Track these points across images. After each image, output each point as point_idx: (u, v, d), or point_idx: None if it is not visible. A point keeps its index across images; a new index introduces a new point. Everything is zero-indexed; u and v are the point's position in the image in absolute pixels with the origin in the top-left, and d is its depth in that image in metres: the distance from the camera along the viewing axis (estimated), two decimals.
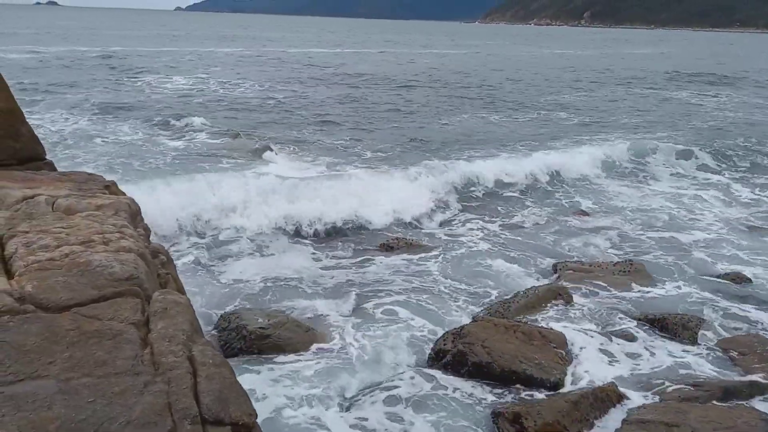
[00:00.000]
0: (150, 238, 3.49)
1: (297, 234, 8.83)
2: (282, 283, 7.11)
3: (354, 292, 6.87)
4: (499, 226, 9.74)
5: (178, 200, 8.59)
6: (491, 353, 5.31)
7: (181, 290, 3.06)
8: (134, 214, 3.39)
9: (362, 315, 6.34)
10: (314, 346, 5.63)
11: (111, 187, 3.79)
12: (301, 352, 5.53)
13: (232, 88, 23.29)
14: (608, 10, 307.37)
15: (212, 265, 7.58)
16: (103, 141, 13.21)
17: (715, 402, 4.72)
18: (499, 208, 10.67)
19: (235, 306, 6.43)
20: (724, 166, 14.17)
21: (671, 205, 11.07)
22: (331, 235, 8.94)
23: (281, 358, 5.42)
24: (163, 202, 8.38)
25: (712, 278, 7.52)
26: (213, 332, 5.81)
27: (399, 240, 8.75)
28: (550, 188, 11.88)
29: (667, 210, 10.69)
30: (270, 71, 30.04)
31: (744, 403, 4.75)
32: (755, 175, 13.56)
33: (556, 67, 40.67)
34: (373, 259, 8.09)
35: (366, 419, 4.62)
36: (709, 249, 8.68)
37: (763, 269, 7.93)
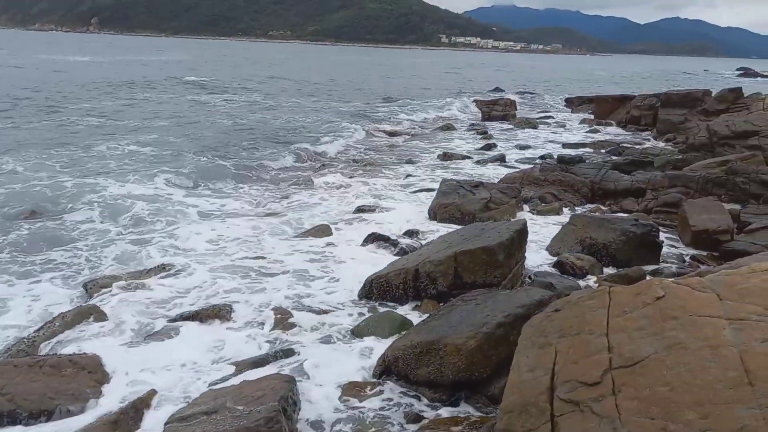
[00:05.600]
0: None
1: None
2: None
3: None
4: None
5: None
6: (14, 399, 4.66)
7: None
8: None
9: None
10: None
11: None
12: None
13: None
14: (118, 17, 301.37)
15: None
16: None
17: (248, 377, 5.16)
18: None
19: None
20: None
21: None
22: None
23: None
24: None
25: (238, 266, 8.16)
26: None
27: None
28: None
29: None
30: None
31: (272, 369, 5.34)
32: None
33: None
34: None
35: None
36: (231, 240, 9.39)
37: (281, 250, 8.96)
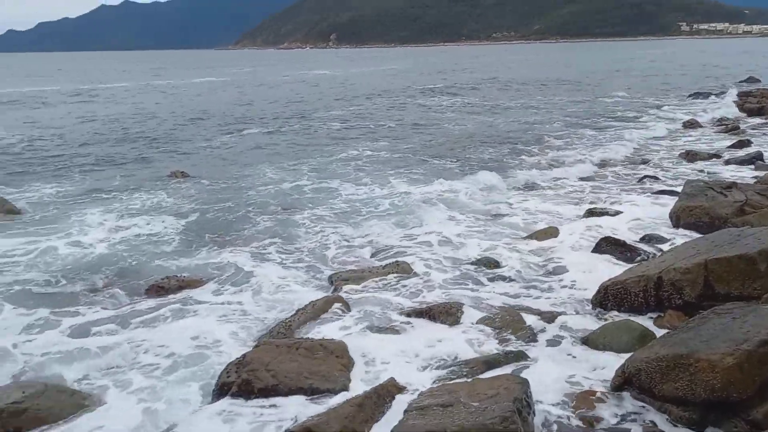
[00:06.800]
0: None
1: None
2: None
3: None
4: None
5: None
6: (276, 375, 5.27)
7: None
8: None
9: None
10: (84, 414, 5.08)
11: None
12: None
13: None
14: (352, 32, 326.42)
15: None
16: None
17: (480, 375, 5.23)
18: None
19: None
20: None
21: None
22: None
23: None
24: None
25: (466, 265, 8.32)
26: None
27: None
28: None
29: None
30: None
31: (503, 371, 5.34)
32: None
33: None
34: None
35: None
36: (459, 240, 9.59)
37: (507, 251, 8.97)
